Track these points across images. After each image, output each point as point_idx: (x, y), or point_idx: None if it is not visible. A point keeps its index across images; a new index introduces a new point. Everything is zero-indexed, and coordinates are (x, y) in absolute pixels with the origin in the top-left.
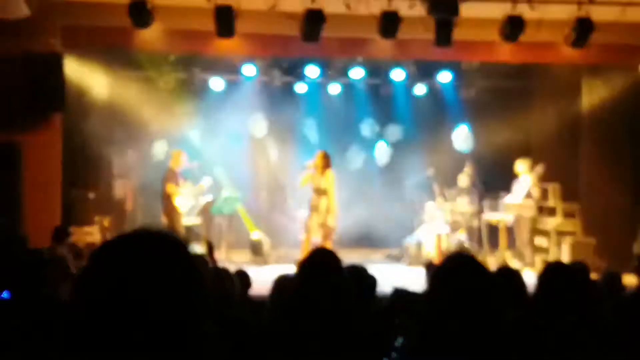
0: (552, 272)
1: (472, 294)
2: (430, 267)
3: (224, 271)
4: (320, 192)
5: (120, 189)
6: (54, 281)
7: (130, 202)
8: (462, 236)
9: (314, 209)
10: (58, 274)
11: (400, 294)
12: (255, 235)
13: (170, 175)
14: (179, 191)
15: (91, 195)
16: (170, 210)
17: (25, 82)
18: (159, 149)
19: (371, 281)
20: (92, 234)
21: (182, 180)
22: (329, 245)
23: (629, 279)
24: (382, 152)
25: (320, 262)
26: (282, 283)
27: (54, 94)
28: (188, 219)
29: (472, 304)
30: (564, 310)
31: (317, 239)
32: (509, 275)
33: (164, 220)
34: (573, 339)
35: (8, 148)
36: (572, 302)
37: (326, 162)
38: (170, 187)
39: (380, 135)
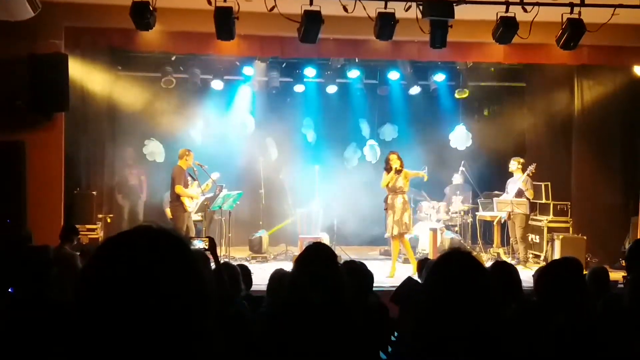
0: (549, 268)
1: (468, 289)
2: (424, 263)
3: (231, 268)
4: (397, 191)
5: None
6: (63, 280)
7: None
8: (456, 233)
9: (391, 207)
10: (66, 273)
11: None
12: (258, 233)
13: (179, 175)
14: (189, 193)
15: (94, 193)
16: (177, 209)
17: (29, 82)
18: (153, 148)
19: (368, 276)
20: (95, 232)
21: (189, 180)
22: (406, 241)
23: (616, 275)
24: (371, 150)
25: (315, 256)
26: (278, 277)
27: (57, 93)
28: (193, 216)
29: (468, 299)
30: (559, 305)
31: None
32: (505, 270)
33: (168, 217)
34: (567, 333)
35: (12, 147)
36: (567, 298)
37: (402, 162)
38: (179, 188)
39: (376, 134)
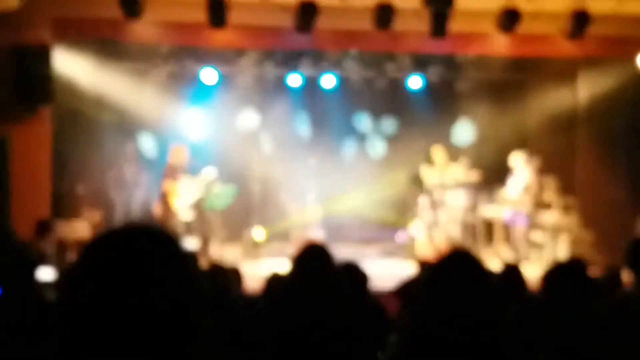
0: (554, 269)
1: (468, 288)
2: (424, 264)
3: (219, 267)
4: (445, 186)
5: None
6: None
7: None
8: (456, 231)
9: (441, 203)
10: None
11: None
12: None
13: (168, 172)
14: (177, 190)
15: (81, 189)
16: (165, 207)
17: (14, 74)
18: (145, 143)
19: (365, 276)
20: (81, 229)
21: (183, 175)
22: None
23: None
24: (375, 145)
25: (312, 257)
26: (274, 282)
27: (43, 86)
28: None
29: (468, 299)
30: (564, 306)
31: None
32: (510, 270)
33: (157, 214)
34: (573, 334)
35: None
36: (573, 299)
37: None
38: (167, 185)
39: (374, 129)
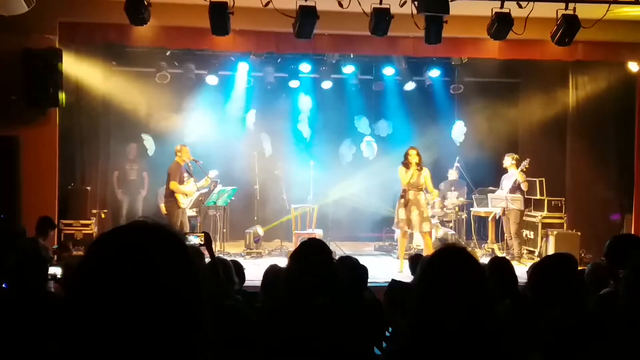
0: (543, 264)
1: (462, 284)
2: (417, 259)
3: (221, 263)
4: (419, 187)
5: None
6: None
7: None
8: (450, 229)
9: (414, 203)
10: None
11: (395, 286)
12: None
13: (175, 171)
14: (184, 189)
15: (88, 188)
16: (171, 205)
17: (23, 77)
18: (147, 143)
19: (363, 272)
20: (89, 227)
21: (186, 175)
22: (429, 238)
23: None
24: (368, 146)
25: (310, 252)
26: (273, 273)
27: (51, 89)
28: (186, 212)
29: (462, 295)
30: (552, 300)
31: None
32: (501, 266)
33: (163, 212)
34: (559, 328)
35: (6, 142)
36: (561, 293)
37: (420, 159)
38: (174, 185)
39: (371, 130)
